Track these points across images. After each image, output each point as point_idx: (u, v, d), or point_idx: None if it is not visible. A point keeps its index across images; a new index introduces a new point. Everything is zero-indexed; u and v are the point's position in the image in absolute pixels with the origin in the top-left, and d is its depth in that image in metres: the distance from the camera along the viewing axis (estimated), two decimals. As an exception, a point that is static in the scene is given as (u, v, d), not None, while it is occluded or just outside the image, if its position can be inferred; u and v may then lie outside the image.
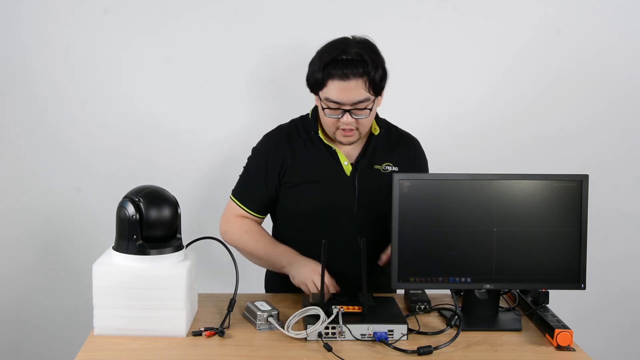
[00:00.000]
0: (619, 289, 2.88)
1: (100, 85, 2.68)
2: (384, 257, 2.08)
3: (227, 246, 1.93)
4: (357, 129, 2.05)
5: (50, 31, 2.64)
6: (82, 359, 1.67)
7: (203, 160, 2.74)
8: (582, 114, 2.78)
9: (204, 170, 2.74)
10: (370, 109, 2.03)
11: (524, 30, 2.72)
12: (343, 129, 2.04)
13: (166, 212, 1.80)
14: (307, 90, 2.09)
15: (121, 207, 1.79)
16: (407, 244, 1.89)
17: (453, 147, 2.74)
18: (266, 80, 2.70)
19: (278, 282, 2.21)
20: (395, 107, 2.65)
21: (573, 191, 1.89)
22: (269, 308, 1.86)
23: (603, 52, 2.74)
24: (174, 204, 1.83)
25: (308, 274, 2.01)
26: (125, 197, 1.80)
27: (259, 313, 1.83)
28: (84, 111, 2.69)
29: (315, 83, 2.03)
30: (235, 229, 2.17)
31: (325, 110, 2.03)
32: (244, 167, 2.21)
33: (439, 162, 2.48)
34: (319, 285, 1.95)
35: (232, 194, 2.20)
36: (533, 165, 2.68)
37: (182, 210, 1.87)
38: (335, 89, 1.98)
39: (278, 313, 1.85)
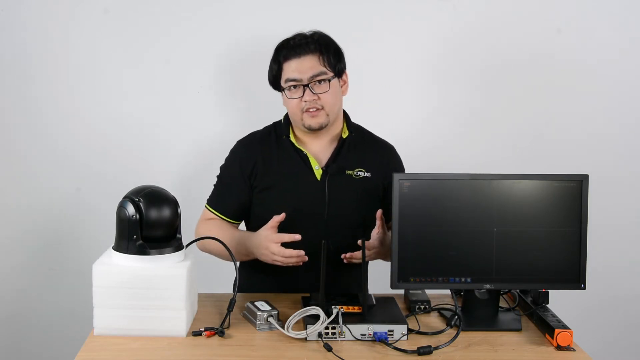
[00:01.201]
0: (619, 289, 2.87)
1: (101, 85, 2.68)
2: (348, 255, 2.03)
3: (226, 246, 1.93)
4: (322, 108, 2.07)
5: (50, 31, 2.64)
6: (82, 359, 1.67)
7: (203, 160, 2.73)
8: (582, 114, 2.77)
9: (204, 170, 2.73)
10: (329, 81, 2.07)
11: (524, 30, 2.72)
12: (308, 110, 2.07)
13: (166, 212, 1.80)
14: None
15: (121, 207, 1.79)
16: (407, 244, 1.89)
17: (453, 147, 2.74)
18: (266, 80, 2.71)
19: (249, 284, 2.21)
20: (396, 106, 2.66)
21: (573, 191, 1.89)
22: (269, 308, 1.86)
23: (603, 52, 2.74)
24: (174, 204, 1.83)
25: (265, 249, 1.98)
26: (125, 197, 1.80)
27: (259, 313, 1.83)
28: (84, 111, 2.69)
29: (274, 74, 2.11)
30: (201, 232, 2.16)
31: (287, 92, 2.09)
32: (217, 176, 2.23)
33: (438, 162, 2.49)
34: (282, 253, 1.94)
35: (206, 202, 2.23)
36: (533, 165, 2.68)
37: (182, 210, 1.87)
38: (292, 68, 2.07)
39: (278, 313, 1.85)
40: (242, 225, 2.28)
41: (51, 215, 2.73)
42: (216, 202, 2.21)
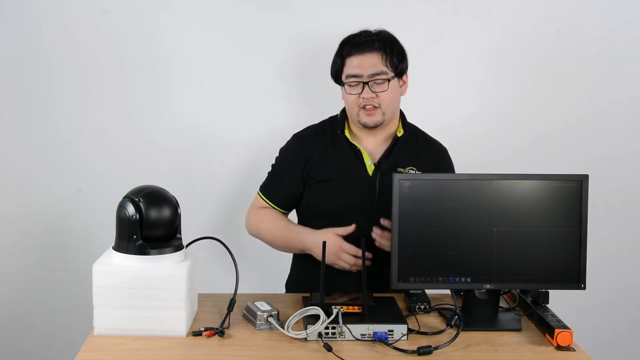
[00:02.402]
0: (619, 289, 2.88)
1: (100, 85, 2.68)
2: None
3: (226, 246, 1.93)
4: (379, 107, 2.10)
5: (50, 31, 2.64)
6: (82, 359, 1.67)
7: (203, 158, 2.74)
8: (582, 113, 2.77)
9: (203, 169, 2.74)
10: (389, 81, 2.09)
11: (524, 30, 2.72)
12: (365, 107, 2.10)
13: (166, 212, 1.81)
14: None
15: (121, 207, 1.79)
16: (407, 244, 1.89)
17: (453, 147, 2.72)
18: (272, 82, 2.71)
19: (300, 286, 2.24)
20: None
21: (573, 191, 1.89)
22: (269, 308, 1.86)
23: (603, 52, 2.74)
24: (174, 204, 1.83)
25: (334, 255, 2.05)
26: (125, 197, 1.80)
27: (259, 313, 1.83)
28: (84, 111, 2.69)
29: (337, 69, 2.15)
30: (253, 220, 2.26)
31: (346, 87, 2.12)
32: (272, 164, 2.28)
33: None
34: (348, 258, 2.04)
35: (259, 189, 2.28)
36: (533, 165, 2.68)
37: (183, 210, 1.87)
38: (353, 63, 2.11)
39: (278, 313, 1.85)
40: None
41: (51, 215, 2.73)
42: (269, 190, 2.26)
